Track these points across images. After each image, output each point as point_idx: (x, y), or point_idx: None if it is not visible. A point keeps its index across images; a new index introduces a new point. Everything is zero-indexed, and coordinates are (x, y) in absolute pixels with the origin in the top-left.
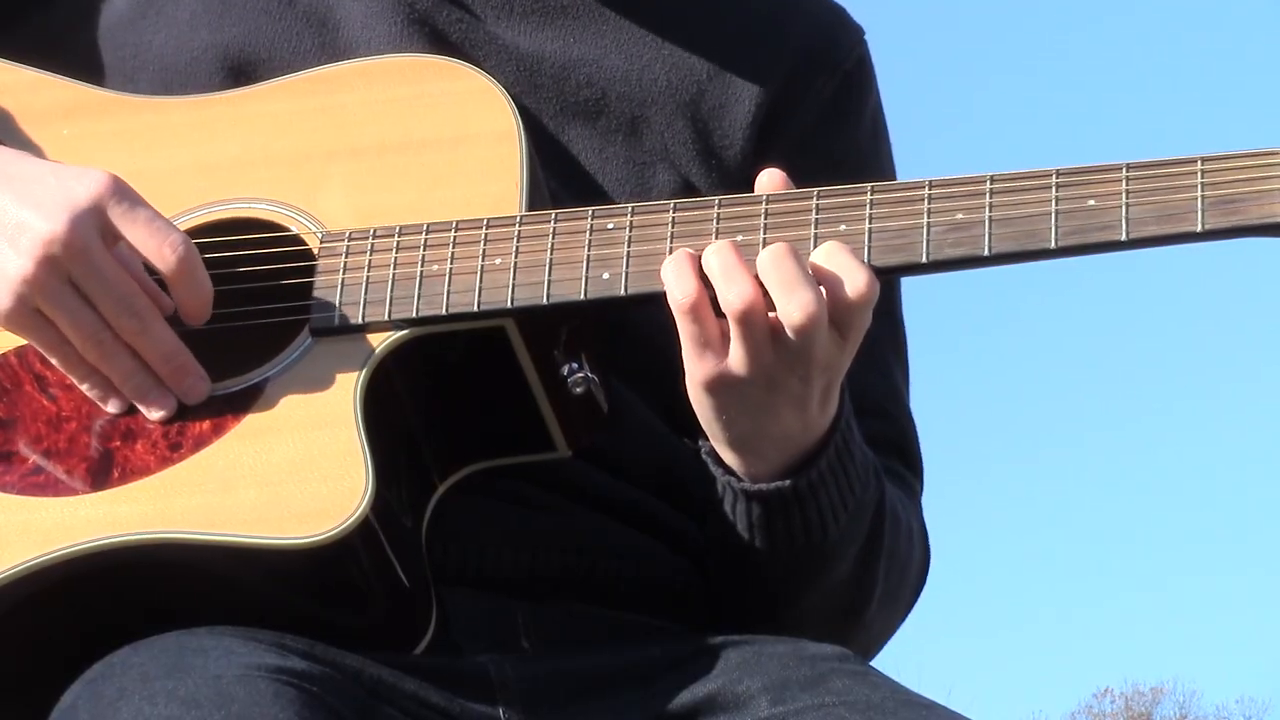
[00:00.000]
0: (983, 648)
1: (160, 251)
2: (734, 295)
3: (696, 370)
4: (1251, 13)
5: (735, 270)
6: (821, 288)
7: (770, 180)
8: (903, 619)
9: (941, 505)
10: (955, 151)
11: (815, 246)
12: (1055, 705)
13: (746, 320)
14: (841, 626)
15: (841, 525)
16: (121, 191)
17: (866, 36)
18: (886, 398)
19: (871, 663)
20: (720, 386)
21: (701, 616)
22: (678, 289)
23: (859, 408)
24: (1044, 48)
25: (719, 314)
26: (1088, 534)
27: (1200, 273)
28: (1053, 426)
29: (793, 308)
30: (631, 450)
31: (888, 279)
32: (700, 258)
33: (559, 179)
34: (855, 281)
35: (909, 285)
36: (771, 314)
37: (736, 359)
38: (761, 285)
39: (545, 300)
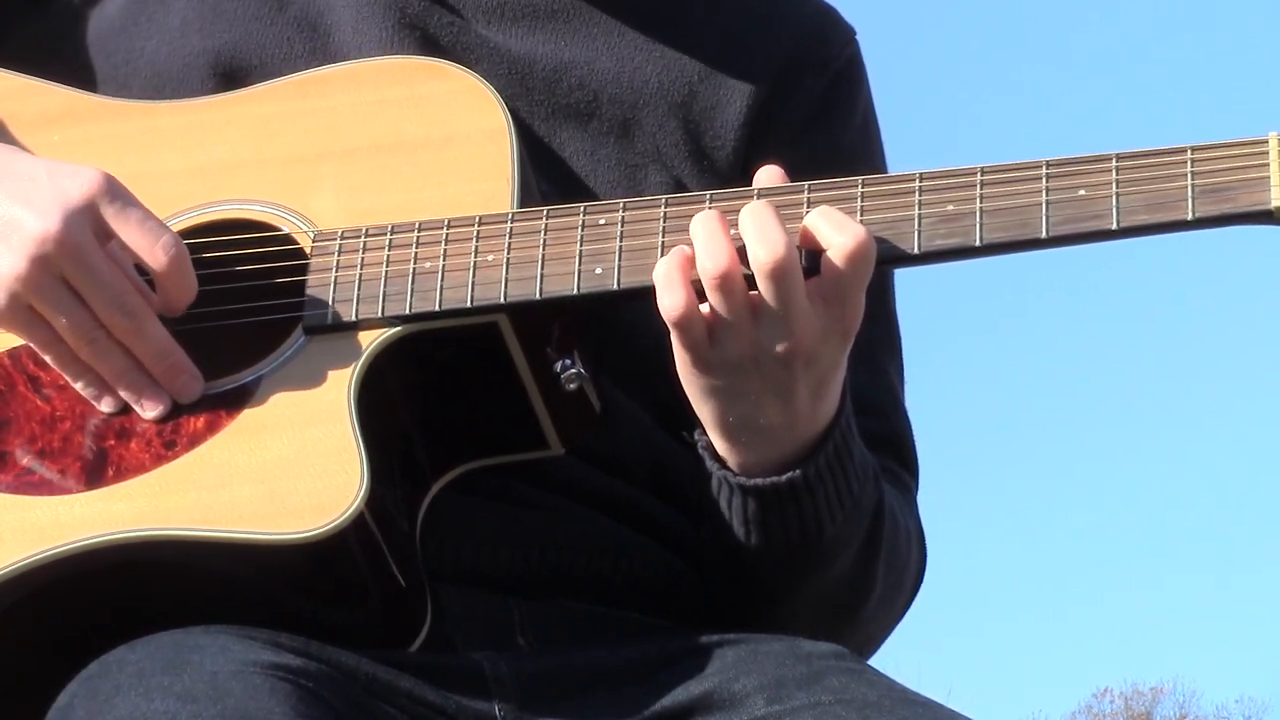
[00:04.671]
0: (983, 648)
1: (152, 251)
2: (710, 261)
3: (682, 350)
4: (1238, 4)
5: (717, 238)
6: (807, 248)
7: (768, 176)
8: (898, 620)
9: (941, 504)
10: (948, 152)
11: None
12: (1055, 705)
13: (724, 287)
14: (837, 625)
15: (838, 524)
16: (114, 190)
17: (858, 37)
18: (881, 396)
19: (870, 662)
20: (704, 366)
21: (696, 614)
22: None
23: (853, 407)
24: (1033, 44)
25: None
26: (1087, 533)
27: (1197, 268)
28: (1051, 425)
29: (762, 251)
30: (625, 448)
31: (880, 273)
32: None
33: (551, 181)
34: (845, 235)
35: (901, 283)
36: (753, 293)
37: (716, 331)
38: (741, 256)
39: (538, 295)
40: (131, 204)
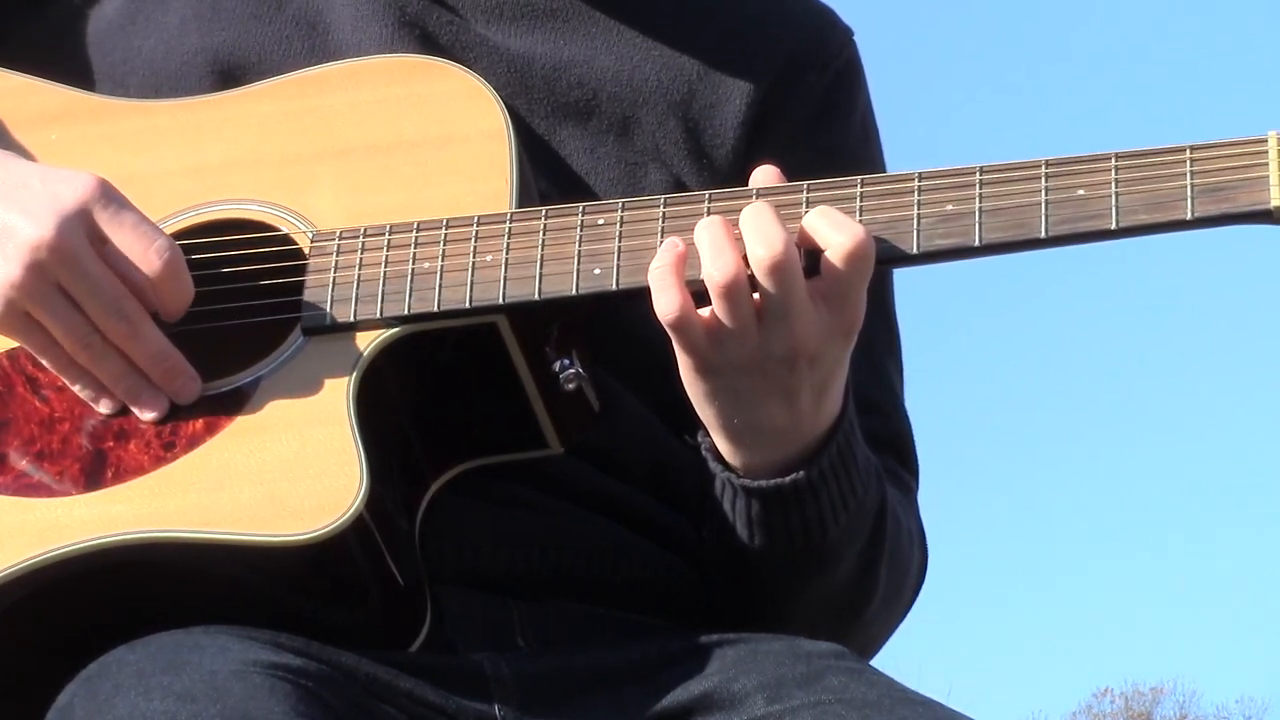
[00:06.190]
0: (983, 648)
1: (146, 255)
2: (718, 270)
3: (683, 354)
4: (1238, 3)
5: (723, 245)
6: (806, 248)
7: (765, 176)
8: (900, 621)
9: (942, 504)
10: (946, 151)
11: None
12: (1055, 705)
13: (730, 295)
14: (840, 627)
15: (841, 526)
16: (108, 194)
17: (855, 38)
18: (881, 395)
19: (870, 662)
20: (707, 370)
21: (697, 614)
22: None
23: (854, 406)
24: (1032, 43)
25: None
26: (1088, 533)
27: (1198, 264)
28: (1051, 424)
29: (761, 248)
30: (625, 448)
31: (879, 273)
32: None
33: (551, 180)
34: (844, 234)
35: (901, 283)
36: (756, 296)
37: (719, 336)
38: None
39: (537, 296)
40: (125, 208)
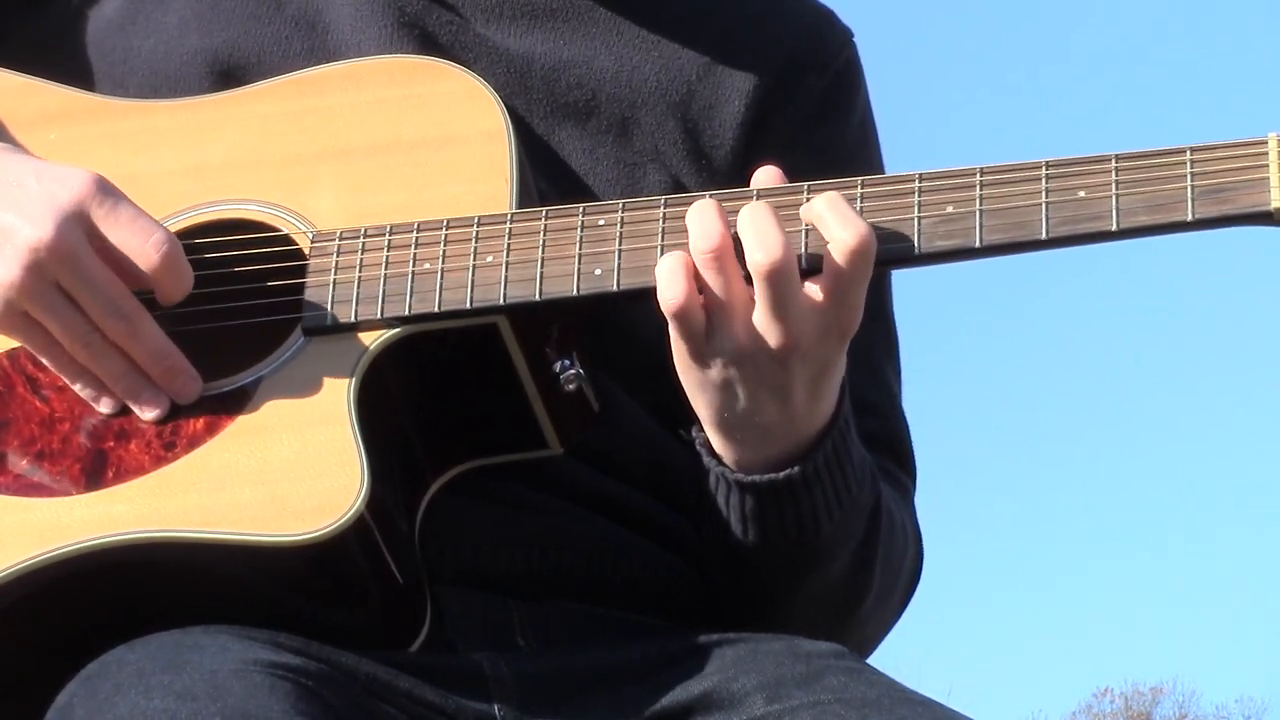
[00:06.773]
0: (983, 648)
1: (144, 249)
2: (704, 241)
3: (679, 341)
4: (1238, 4)
5: (711, 220)
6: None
7: (767, 176)
8: (895, 620)
9: (942, 504)
10: (947, 152)
11: (807, 238)
12: (1055, 705)
13: (717, 264)
14: (836, 625)
15: (835, 523)
16: (104, 191)
17: (854, 39)
18: (878, 396)
19: (869, 661)
20: (701, 359)
21: (696, 614)
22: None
23: (851, 407)
24: (1033, 44)
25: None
26: (1088, 533)
27: (1198, 265)
28: (1051, 424)
29: (760, 253)
30: (624, 448)
31: (878, 274)
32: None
33: (549, 180)
34: (848, 230)
35: (900, 283)
36: (754, 297)
37: (714, 318)
38: (737, 250)
39: (538, 296)
40: (122, 203)
